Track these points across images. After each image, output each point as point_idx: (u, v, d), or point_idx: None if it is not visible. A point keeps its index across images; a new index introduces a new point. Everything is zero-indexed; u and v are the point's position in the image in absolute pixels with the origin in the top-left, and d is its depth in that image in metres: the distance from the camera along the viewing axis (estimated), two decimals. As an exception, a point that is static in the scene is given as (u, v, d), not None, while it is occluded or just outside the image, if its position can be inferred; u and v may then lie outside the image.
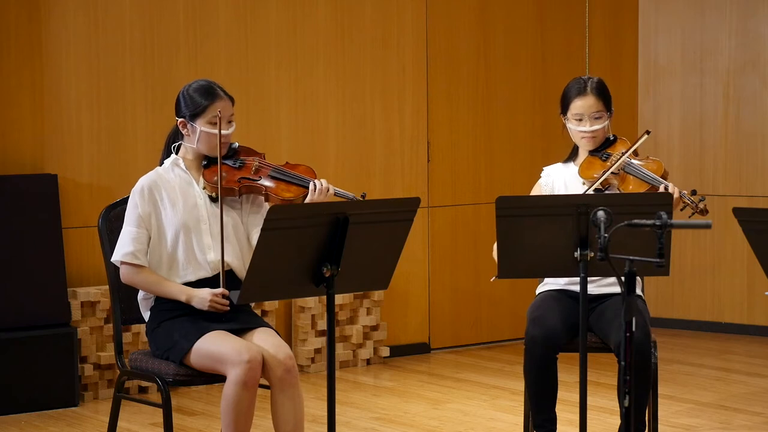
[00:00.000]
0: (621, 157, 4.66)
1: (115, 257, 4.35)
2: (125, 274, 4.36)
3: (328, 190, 4.40)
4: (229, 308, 4.29)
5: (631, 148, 4.71)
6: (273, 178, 4.41)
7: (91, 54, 6.40)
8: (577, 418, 4.08)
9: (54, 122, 6.33)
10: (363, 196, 4.42)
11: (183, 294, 4.31)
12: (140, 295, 4.43)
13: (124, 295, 4.53)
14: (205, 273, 4.36)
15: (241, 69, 6.83)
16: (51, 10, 6.30)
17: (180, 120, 4.41)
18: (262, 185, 4.39)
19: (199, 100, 4.37)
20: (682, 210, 4.55)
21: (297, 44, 7.02)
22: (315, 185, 4.40)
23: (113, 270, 4.52)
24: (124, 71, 6.49)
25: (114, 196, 4.51)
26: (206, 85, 4.41)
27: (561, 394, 4.65)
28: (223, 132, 4.37)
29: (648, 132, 4.75)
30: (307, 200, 4.38)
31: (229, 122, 4.41)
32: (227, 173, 4.40)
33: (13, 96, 6.25)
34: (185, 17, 6.65)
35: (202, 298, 4.28)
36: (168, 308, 4.36)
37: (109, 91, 6.45)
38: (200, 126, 4.36)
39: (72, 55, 6.36)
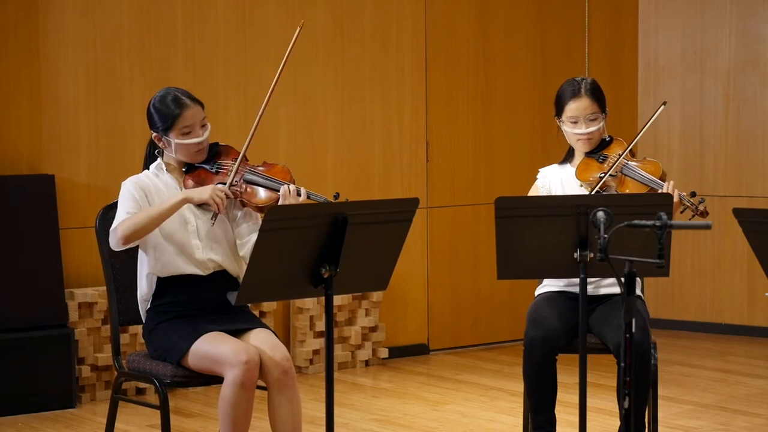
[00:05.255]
0: (618, 159, 4.64)
1: (116, 223, 4.24)
2: (124, 226, 4.19)
3: (298, 194, 4.33)
4: (222, 210, 4.24)
5: (647, 123, 4.68)
6: (247, 182, 4.38)
7: (89, 54, 6.39)
8: (576, 419, 4.07)
9: (51, 123, 6.32)
10: (336, 197, 4.37)
11: (180, 194, 4.25)
12: (141, 295, 4.41)
13: (121, 296, 4.52)
14: (195, 270, 4.33)
15: (239, 69, 6.81)
16: (49, 11, 6.29)
17: (154, 135, 4.40)
18: (236, 191, 4.36)
19: (167, 113, 4.33)
20: (682, 212, 4.54)
21: (296, 44, 6.99)
22: (284, 190, 4.33)
23: (111, 270, 4.51)
24: (122, 71, 6.47)
25: (111, 197, 4.49)
26: (171, 96, 4.37)
27: (560, 395, 4.64)
28: (196, 140, 4.36)
29: (665, 103, 4.72)
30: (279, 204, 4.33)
31: (203, 126, 4.39)
32: (205, 179, 4.38)
33: (11, 96, 6.23)
34: (183, 17, 6.64)
35: (203, 190, 4.24)
36: (165, 310, 4.35)
37: (106, 91, 6.44)
38: (174, 139, 4.35)
39: (70, 55, 6.34)
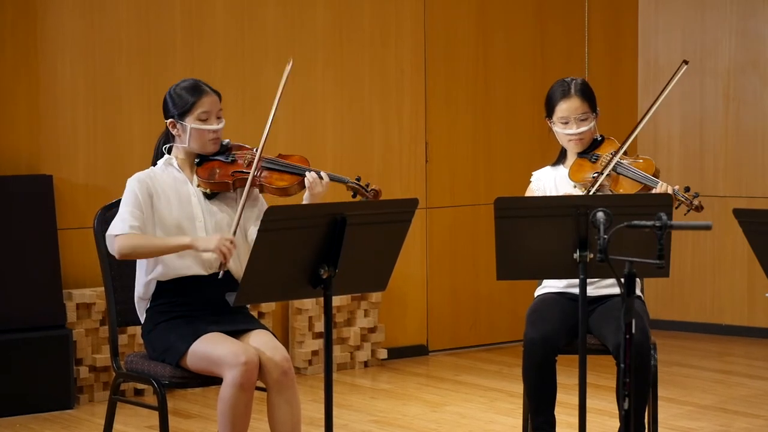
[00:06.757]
0: (612, 158, 4.63)
1: (117, 230, 4.25)
2: (126, 243, 4.22)
3: (322, 179, 4.35)
4: (229, 261, 4.20)
5: (669, 83, 4.64)
6: (266, 168, 4.39)
7: (87, 54, 6.38)
8: (576, 420, 4.06)
9: (50, 123, 6.30)
10: (358, 180, 4.41)
11: (185, 237, 4.24)
12: (139, 293, 4.40)
13: (120, 297, 4.50)
14: (200, 270, 4.32)
15: (237, 69, 6.80)
16: (47, 10, 6.27)
17: (169, 121, 4.39)
18: (255, 177, 4.36)
19: (186, 97, 4.36)
20: (677, 208, 4.51)
21: (295, 45, 6.99)
22: (309, 177, 4.34)
23: (109, 271, 4.49)
24: (120, 71, 6.46)
25: (110, 197, 4.48)
26: (191, 82, 4.41)
27: (560, 396, 4.63)
28: (213, 127, 4.37)
29: (686, 62, 4.67)
30: (305, 195, 4.36)
31: (218, 118, 4.40)
32: (220, 168, 4.38)
33: (9, 96, 6.22)
34: (182, 17, 6.62)
35: (209, 240, 4.19)
36: (164, 310, 4.34)
37: (105, 91, 6.43)
38: (190, 123, 4.35)
39: (68, 55, 6.33)
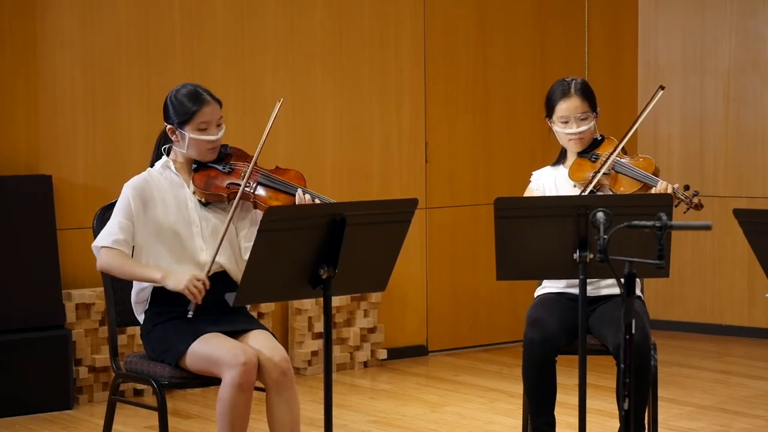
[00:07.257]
0: (610, 156, 4.64)
1: (102, 242, 4.27)
2: (105, 260, 4.26)
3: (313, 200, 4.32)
4: (200, 300, 4.17)
5: (646, 108, 4.65)
6: (261, 184, 4.36)
7: (86, 54, 6.37)
8: (576, 421, 4.06)
9: (49, 123, 6.30)
10: None
11: (158, 272, 4.22)
12: (134, 297, 4.39)
13: (119, 297, 4.50)
14: (197, 275, 4.31)
15: (237, 70, 6.79)
16: (45, 11, 6.27)
17: (169, 127, 4.38)
18: (250, 192, 4.34)
19: (187, 106, 4.33)
20: (676, 206, 4.51)
21: (294, 45, 6.98)
22: (299, 196, 4.32)
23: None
24: (119, 72, 6.45)
25: (109, 197, 4.48)
26: (192, 90, 4.37)
27: (560, 397, 4.62)
28: (211, 138, 4.34)
29: (662, 87, 4.68)
30: None
31: (218, 126, 4.38)
32: (216, 178, 4.36)
33: (8, 97, 6.21)
34: (181, 17, 6.62)
35: (179, 279, 4.17)
36: (163, 311, 4.33)
37: (104, 91, 6.42)
38: (189, 133, 4.33)
39: (67, 55, 6.32)
